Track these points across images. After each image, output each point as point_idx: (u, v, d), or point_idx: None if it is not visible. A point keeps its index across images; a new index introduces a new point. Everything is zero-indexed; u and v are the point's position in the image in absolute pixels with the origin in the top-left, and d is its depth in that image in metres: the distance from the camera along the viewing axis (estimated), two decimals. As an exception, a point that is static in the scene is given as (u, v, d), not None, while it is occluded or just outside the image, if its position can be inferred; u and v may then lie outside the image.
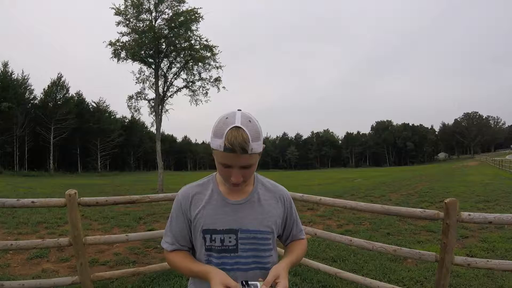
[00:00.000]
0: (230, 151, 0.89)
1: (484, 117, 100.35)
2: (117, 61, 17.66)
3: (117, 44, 17.40)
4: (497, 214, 2.29)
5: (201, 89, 19.08)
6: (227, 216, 1.03)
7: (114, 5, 17.14)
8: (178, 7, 17.40)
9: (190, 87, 19.12)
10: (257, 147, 0.92)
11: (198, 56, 17.87)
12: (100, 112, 56.25)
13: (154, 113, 18.67)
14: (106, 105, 59.50)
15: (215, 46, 18.14)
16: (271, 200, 1.09)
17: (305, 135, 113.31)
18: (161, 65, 18.42)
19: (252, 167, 0.97)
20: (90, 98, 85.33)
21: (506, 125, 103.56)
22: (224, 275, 0.93)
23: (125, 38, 17.56)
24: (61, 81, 49.10)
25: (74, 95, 53.19)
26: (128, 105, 19.28)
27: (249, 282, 0.92)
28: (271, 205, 1.09)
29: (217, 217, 1.03)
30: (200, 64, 18.36)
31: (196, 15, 17.34)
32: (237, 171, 0.94)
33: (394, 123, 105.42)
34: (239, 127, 0.89)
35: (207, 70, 18.70)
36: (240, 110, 0.96)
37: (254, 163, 0.96)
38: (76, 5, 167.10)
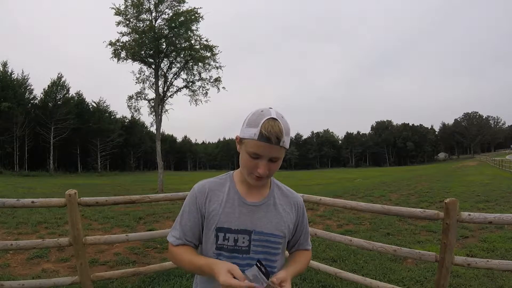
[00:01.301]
0: (265, 139, 0.91)
1: (484, 117, 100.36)
2: (117, 61, 17.71)
3: (117, 44, 17.43)
4: (497, 214, 2.29)
5: (201, 89, 19.13)
6: (243, 216, 1.02)
7: (114, 5, 17.17)
8: (178, 7, 17.43)
9: (190, 87, 19.15)
10: (287, 141, 0.96)
11: (198, 56, 17.89)
12: (100, 112, 56.19)
13: (154, 113, 18.69)
14: (106, 105, 59.52)
15: (215, 46, 18.18)
16: (286, 205, 1.10)
17: (305, 135, 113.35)
18: (161, 65, 18.45)
19: (278, 161, 0.98)
20: (90, 98, 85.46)
21: (506, 125, 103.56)
22: (231, 264, 0.91)
23: (125, 38, 17.61)
24: (61, 81, 49.11)
25: (74, 95, 53.22)
26: (128, 105, 19.35)
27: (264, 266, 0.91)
28: (286, 210, 1.09)
29: (233, 216, 1.02)
30: (200, 64, 18.39)
31: (196, 15, 17.37)
32: (265, 163, 0.95)
33: (394, 123, 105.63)
34: (275, 119, 0.93)
35: (207, 70, 18.76)
36: (271, 108, 0.99)
37: (281, 157, 0.98)
38: (76, 5, 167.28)
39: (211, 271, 0.92)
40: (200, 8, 17.49)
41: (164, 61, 18.53)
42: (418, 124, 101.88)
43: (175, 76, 19.00)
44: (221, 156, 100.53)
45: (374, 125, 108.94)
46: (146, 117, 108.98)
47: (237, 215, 1.02)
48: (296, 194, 1.16)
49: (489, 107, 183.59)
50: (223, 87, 19.06)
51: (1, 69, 43.16)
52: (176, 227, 1.07)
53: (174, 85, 19.21)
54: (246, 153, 0.96)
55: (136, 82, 18.92)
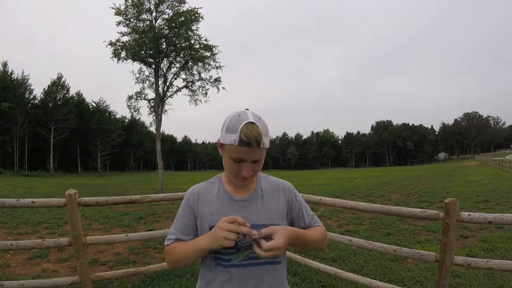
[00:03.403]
0: (246, 144, 0.94)
1: (484, 117, 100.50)
2: (117, 61, 17.69)
3: (117, 44, 17.41)
4: (497, 214, 2.29)
5: (200, 89, 19.11)
6: (235, 212, 1.03)
7: (115, 5, 17.16)
8: (179, 7, 17.43)
9: (189, 87, 19.14)
10: (267, 142, 0.99)
11: (198, 56, 17.88)
12: (100, 112, 56.27)
13: (153, 113, 18.69)
14: (106, 105, 59.67)
15: (214, 46, 18.17)
16: (275, 193, 1.12)
17: (305, 135, 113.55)
18: (161, 65, 18.43)
19: (261, 161, 1.02)
20: (90, 98, 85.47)
21: (506, 125, 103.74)
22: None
23: (125, 38, 17.60)
24: (61, 81, 49.16)
25: (74, 95, 53.34)
26: (127, 105, 19.34)
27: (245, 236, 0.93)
28: (275, 198, 1.11)
29: (224, 214, 1.02)
30: (199, 64, 18.37)
31: (196, 15, 17.36)
32: (248, 165, 0.99)
33: (394, 123, 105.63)
34: (253, 123, 0.95)
35: (207, 70, 18.73)
36: (248, 109, 1.01)
37: (263, 157, 1.02)
38: (76, 5, 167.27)
39: (210, 236, 0.95)
40: (200, 8, 17.51)
41: (164, 61, 18.53)
42: (418, 124, 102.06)
43: (175, 76, 19.00)
44: (221, 156, 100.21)
45: (374, 125, 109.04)
46: (146, 117, 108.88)
47: (229, 212, 1.03)
48: (283, 181, 1.18)
49: (489, 107, 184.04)
50: (223, 87, 19.05)
51: (1, 69, 43.19)
52: (171, 232, 1.08)
53: (174, 85, 19.23)
54: (229, 158, 1.00)
55: (136, 82, 18.93)
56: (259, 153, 0.98)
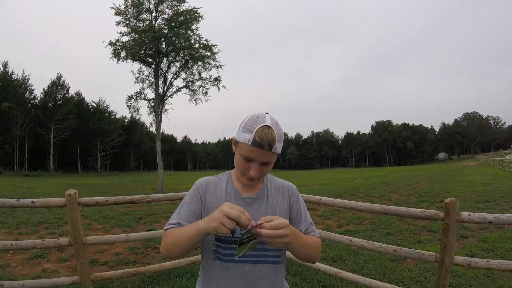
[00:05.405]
0: (258, 146, 0.96)
1: (484, 117, 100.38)
2: (117, 61, 17.72)
3: (117, 44, 17.44)
4: (497, 214, 2.29)
5: (201, 88, 19.13)
6: None
7: (114, 5, 17.18)
8: (178, 7, 17.44)
9: (190, 86, 19.15)
10: (279, 147, 1.02)
11: (197, 55, 17.89)
12: (100, 112, 56.20)
13: (153, 113, 18.69)
14: (106, 105, 59.55)
15: (214, 45, 18.18)
16: (279, 194, 1.14)
17: (305, 135, 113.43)
18: (161, 65, 18.44)
19: (270, 165, 1.04)
20: (90, 98, 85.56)
21: (506, 125, 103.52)
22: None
23: (125, 38, 17.64)
24: (61, 81, 49.13)
25: (74, 95, 53.27)
26: (127, 105, 19.38)
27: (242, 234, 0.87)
28: (278, 199, 1.13)
29: None
30: (199, 63, 18.39)
31: (196, 14, 17.39)
32: (257, 166, 1.01)
33: (394, 123, 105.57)
34: (269, 126, 0.98)
35: (207, 70, 18.76)
36: (268, 113, 1.04)
37: (272, 161, 1.04)
38: (76, 5, 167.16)
39: (208, 218, 0.88)
40: (200, 7, 17.54)
41: (163, 61, 18.54)
42: (418, 124, 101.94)
43: (175, 76, 19.02)
44: (221, 156, 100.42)
45: (374, 125, 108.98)
46: (146, 117, 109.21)
47: None
48: (288, 182, 1.19)
49: (489, 107, 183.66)
50: (223, 86, 19.08)
51: (2, 69, 43.19)
52: (173, 217, 1.07)
53: (173, 85, 19.25)
54: (240, 155, 1.03)
55: (136, 82, 18.96)
56: (270, 156, 1.00)
